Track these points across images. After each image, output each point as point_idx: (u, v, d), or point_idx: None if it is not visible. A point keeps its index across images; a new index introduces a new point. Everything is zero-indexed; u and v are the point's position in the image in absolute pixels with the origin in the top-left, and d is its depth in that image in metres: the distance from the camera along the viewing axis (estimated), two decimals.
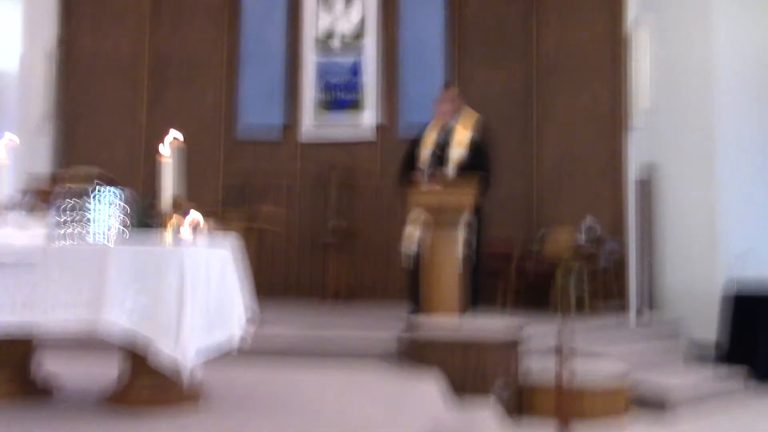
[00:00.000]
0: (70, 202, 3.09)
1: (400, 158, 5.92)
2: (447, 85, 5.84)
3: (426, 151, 5.64)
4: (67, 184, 3.15)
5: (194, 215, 3.18)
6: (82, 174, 5.02)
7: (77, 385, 3.68)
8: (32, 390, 3.26)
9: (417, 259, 5.56)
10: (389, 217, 8.12)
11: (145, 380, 3.12)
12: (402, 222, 7.95)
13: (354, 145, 8.31)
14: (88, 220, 3.09)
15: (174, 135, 3.19)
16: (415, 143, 5.83)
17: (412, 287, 5.69)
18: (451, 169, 5.51)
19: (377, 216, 8.18)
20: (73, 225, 3.10)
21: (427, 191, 5.19)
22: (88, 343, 4.66)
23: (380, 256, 8.11)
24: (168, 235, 3.14)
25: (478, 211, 5.40)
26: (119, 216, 3.17)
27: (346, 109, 8.36)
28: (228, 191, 8.41)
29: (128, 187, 8.42)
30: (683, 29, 8.11)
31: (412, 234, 5.61)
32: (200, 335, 3.00)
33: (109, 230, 3.13)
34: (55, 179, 4.44)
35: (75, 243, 3.08)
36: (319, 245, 8.22)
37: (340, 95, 8.34)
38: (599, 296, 7.11)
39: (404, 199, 5.23)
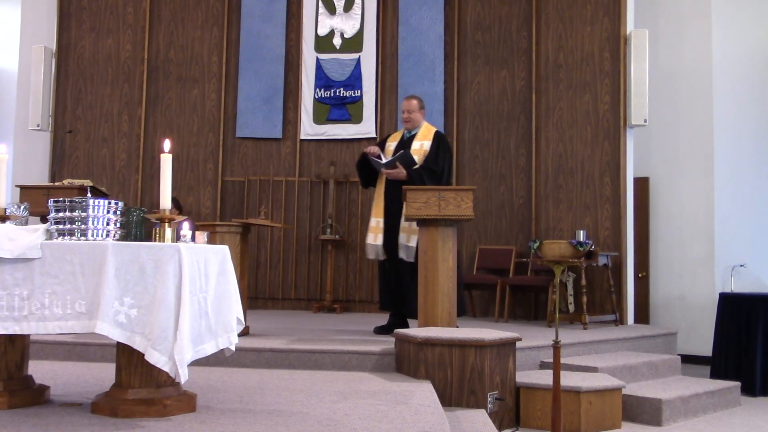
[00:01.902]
0: (64, 216, 3.09)
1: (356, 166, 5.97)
2: (409, 96, 5.84)
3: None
4: (62, 198, 3.14)
5: (186, 228, 3.17)
6: (76, 186, 5.05)
7: (70, 391, 3.67)
8: (25, 396, 3.24)
9: (391, 262, 5.54)
10: None
11: (139, 385, 3.11)
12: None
13: (354, 143, 8.31)
14: (84, 230, 3.08)
15: (168, 146, 3.17)
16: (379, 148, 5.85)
17: (386, 293, 5.66)
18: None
19: None
20: (69, 230, 3.10)
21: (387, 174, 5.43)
22: (82, 349, 4.69)
23: None
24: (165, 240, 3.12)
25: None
26: (113, 229, 3.16)
27: (346, 107, 8.36)
28: (228, 189, 8.41)
29: (123, 194, 8.45)
30: (683, 34, 8.12)
31: (375, 228, 5.63)
32: (197, 338, 3.00)
33: (105, 238, 3.13)
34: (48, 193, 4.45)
35: (74, 239, 3.08)
36: (317, 243, 8.23)
37: (341, 92, 8.34)
38: (593, 309, 7.11)
39: (404, 197, 5.21)
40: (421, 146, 5.58)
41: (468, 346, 4.34)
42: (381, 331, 5.57)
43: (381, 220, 5.60)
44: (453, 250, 5.09)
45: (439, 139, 5.62)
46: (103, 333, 2.85)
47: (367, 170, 5.72)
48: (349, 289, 8.15)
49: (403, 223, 5.46)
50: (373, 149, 5.63)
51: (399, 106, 8.25)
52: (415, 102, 5.73)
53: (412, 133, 5.71)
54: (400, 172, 5.42)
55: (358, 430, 2.95)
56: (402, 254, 5.47)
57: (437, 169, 5.47)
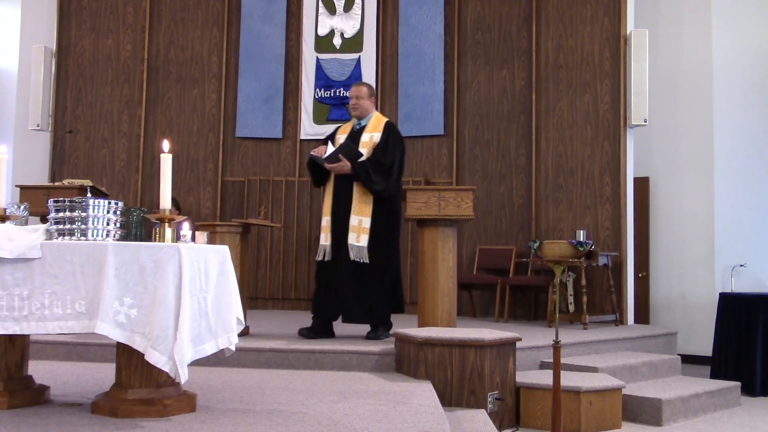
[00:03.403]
0: (64, 216, 3.09)
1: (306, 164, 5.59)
2: (358, 82, 5.46)
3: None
4: (62, 198, 3.14)
5: (186, 228, 3.17)
6: (76, 186, 5.05)
7: (70, 391, 3.67)
8: (25, 396, 3.24)
9: (338, 264, 5.15)
10: None
11: (139, 385, 3.11)
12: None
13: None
14: (84, 230, 3.08)
15: (167, 147, 3.17)
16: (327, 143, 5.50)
17: (324, 297, 5.23)
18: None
19: None
20: (69, 230, 3.10)
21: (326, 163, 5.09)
22: (82, 349, 4.69)
23: None
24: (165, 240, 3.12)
25: (391, 212, 5.22)
26: (113, 229, 3.16)
27: (346, 107, 8.36)
28: (228, 189, 8.41)
29: (123, 194, 8.43)
30: (683, 34, 8.12)
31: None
32: (197, 338, 3.00)
33: (105, 238, 3.13)
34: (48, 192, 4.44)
35: (74, 239, 3.07)
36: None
37: (341, 92, 8.33)
38: (593, 309, 7.11)
39: (404, 197, 5.20)
40: (370, 138, 5.24)
41: (468, 346, 4.34)
42: (307, 333, 5.18)
43: (329, 219, 5.25)
44: (453, 250, 5.09)
45: (389, 131, 5.26)
46: (103, 333, 2.85)
47: (319, 168, 5.32)
48: None
49: (353, 222, 5.10)
50: (320, 149, 5.23)
51: (399, 101, 8.26)
52: (364, 88, 5.37)
53: (363, 124, 5.36)
54: (344, 165, 5.09)
55: (358, 430, 2.95)
56: (353, 255, 5.07)
57: (386, 162, 5.13)
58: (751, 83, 7.93)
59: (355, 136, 5.33)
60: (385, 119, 5.39)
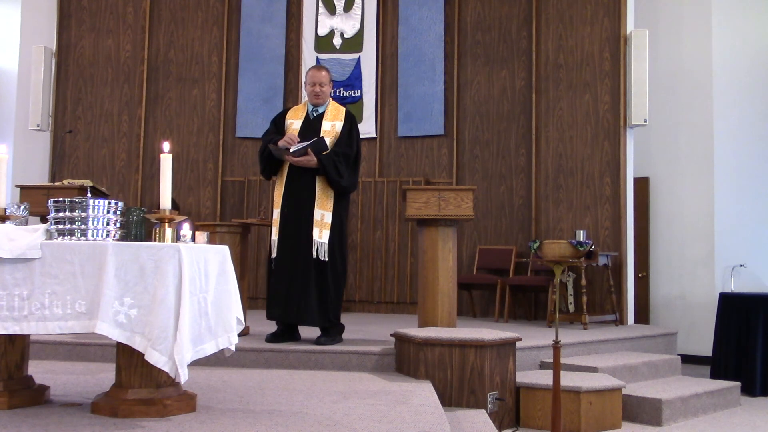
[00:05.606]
0: (64, 216, 3.09)
1: (259, 151, 5.12)
2: (318, 66, 5.10)
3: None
4: (61, 198, 3.14)
5: (186, 229, 3.17)
6: (76, 186, 5.04)
7: (70, 391, 3.67)
8: (25, 396, 3.24)
9: (290, 261, 4.82)
10: (388, 215, 8.13)
11: (139, 385, 3.11)
12: (400, 220, 8.01)
13: None
14: (84, 230, 3.08)
15: (167, 147, 3.17)
16: (275, 127, 5.14)
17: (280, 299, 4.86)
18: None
19: (376, 213, 8.18)
20: (69, 230, 3.10)
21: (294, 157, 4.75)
22: (82, 349, 4.69)
23: (377, 255, 8.12)
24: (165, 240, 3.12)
25: (346, 208, 5.06)
26: (113, 229, 3.17)
27: (346, 106, 8.35)
28: (228, 189, 8.41)
29: (123, 194, 8.43)
30: (683, 34, 8.12)
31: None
32: (197, 338, 3.00)
33: (105, 238, 3.13)
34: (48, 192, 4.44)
35: (74, 239, 3.07)
36: None
37: (341, 92, 8.33)
38: (593, 309, 7.11)
39: (404, 197, 5.20)
40: (332, 127, 4.94)
41: (468, 346, 4.34)
42: (273, 338, 4.88)
43: (279, 211, 4.90)
44: (453, 250, 5.09)
45: (351, 121, 5.02)
46: (103, 333, 2.85)
47: (273, 159, 4.94)
48: (348, 289, 8.13)
49: (316, 216, 4.81)
50: (292, 138, 4.81)
51: (399, 102, 8.26)
52: (326, 74, 5.02)
53: (320, 111, 5.03)
54: (311, 159, 4.76)
55: (358, 430, 2.95)
56: (315, 252, 4.79)
57: (351, 153, 4.91)
58: (751, 83, 7.93)
59: (311, 123, 4.99)
60: (343, 108, 5.11)
